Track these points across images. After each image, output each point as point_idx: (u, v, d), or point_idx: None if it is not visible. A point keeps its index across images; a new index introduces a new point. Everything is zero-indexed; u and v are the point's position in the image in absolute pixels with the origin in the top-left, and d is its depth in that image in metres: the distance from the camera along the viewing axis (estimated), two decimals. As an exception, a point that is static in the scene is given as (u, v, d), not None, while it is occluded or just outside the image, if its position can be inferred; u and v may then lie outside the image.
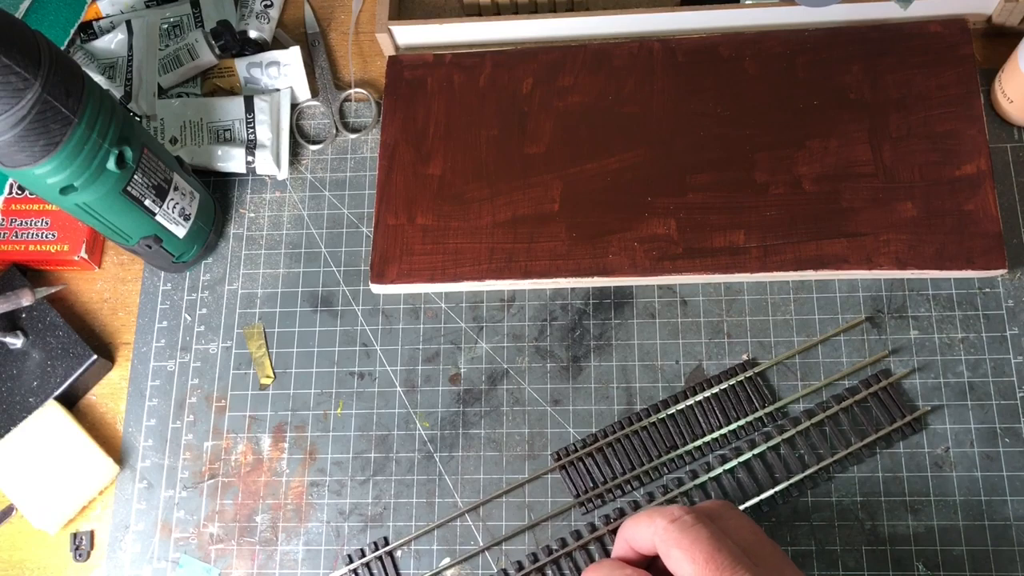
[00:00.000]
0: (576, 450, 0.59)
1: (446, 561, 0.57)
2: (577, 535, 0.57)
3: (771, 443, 0.57)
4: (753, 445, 0.57)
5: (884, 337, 0.59)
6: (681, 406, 0.59)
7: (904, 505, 0.56)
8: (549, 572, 0.56)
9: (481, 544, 0.58)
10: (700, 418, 0.58)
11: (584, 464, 0.58)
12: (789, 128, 0.62)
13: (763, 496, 0.56)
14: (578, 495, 0.58)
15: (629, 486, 0.58)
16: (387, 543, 0.58)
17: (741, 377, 0.59)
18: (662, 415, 0.58)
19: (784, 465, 0.57)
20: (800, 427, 0.57)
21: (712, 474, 0.57)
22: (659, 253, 0.60)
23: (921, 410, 0.57)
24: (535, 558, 0.57)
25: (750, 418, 0.58)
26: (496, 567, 0.57)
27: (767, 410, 0.58)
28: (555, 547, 0.57)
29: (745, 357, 0.60)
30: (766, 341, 0.60)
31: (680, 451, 0.58)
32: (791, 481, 0.56)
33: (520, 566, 0.57)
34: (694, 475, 0.57)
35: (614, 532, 0.56)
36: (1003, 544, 0.55)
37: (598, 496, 0.57)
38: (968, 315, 0.59)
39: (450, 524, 0.58)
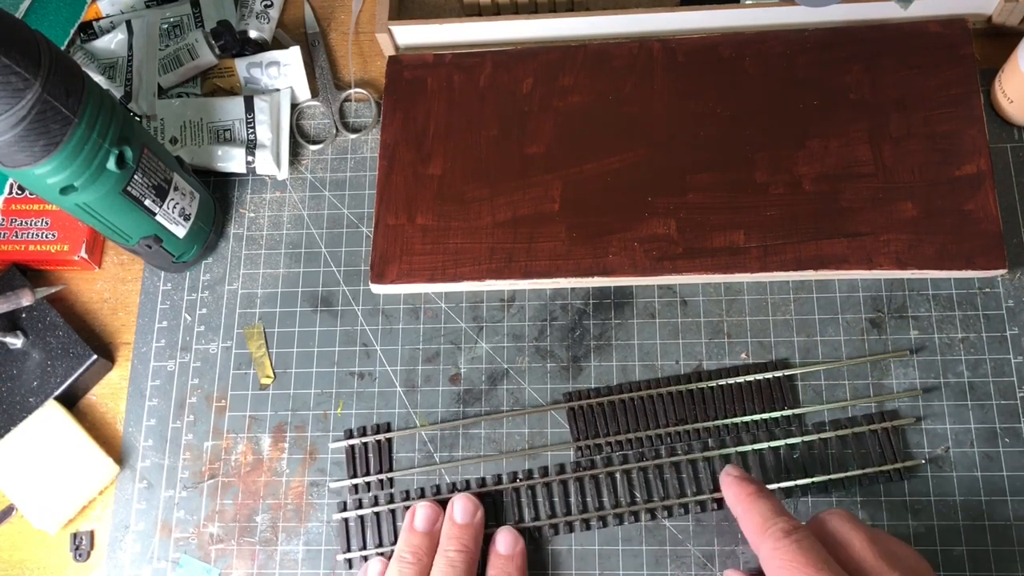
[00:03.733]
0: (588, 396, 0.60)
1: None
2: (544, 471, 0.58)
3: (770, 444, 0.57)
4: (742, 442, 0.57)
5: (884, 337, 0.59)
6: (703, 385, 0.59)
7: (904, 505, 0.56)
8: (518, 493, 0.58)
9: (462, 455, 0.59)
10: (716, 402, 0.59)
11: (592, 411, 0.59)
12: (789, 128, 0.62)
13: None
14: (577, 438, 0.59)
15: (629, 445, 0.58)
16: (389, 429, 0.60)
17: (769, 375, 0.59)
18: (681, 387, 0.59)
19: (773, 469, 0.57)
20: (793, 440, 0.57)
21: (722, 451, 0.57)
22: (659, 253, 0.60)
23: (915, 460, 0.56)
24: (498, 479, 0.59)
25: (765, 416, 0.58)
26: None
27: (784, 413, 0.58)
28: (521, 476, 0.58)
29: (744, 356, 0.60)
30: (766, 341, 0.60)
31: (687, 427, 0.58)
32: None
33: (483, 482, 0.59)
34: (689, 448, 0.58)
35: (578, 480, 0.58)
36: (1003, 544, 0.55)
37: (596, 446, 0.58)
38: (968, 315, 0.59)
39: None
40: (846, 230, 0.59)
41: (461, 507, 0.56)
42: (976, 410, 0.57)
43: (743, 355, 0.60)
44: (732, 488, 0.52)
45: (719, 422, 0.58)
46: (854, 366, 0.59)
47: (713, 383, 0.59)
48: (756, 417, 0.58)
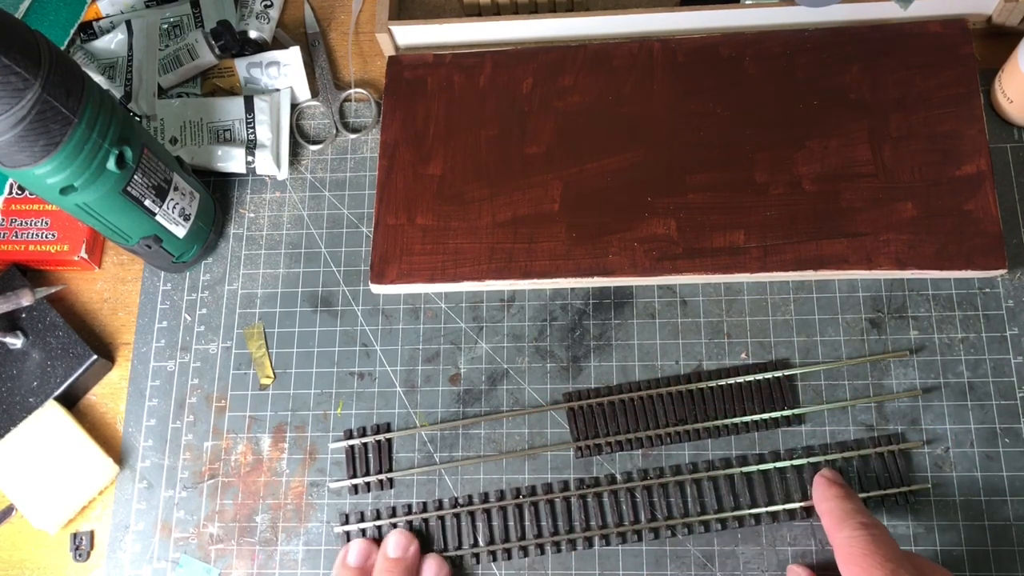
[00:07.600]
0: (588, 396, 0.60)
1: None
2: (548, 488, 0.58)
3: (776, 465, 0.57)
4: (747, 462, 0.57)
5: (884, 337, 0.59)
6: (703, 385, 0.59)
7: (904, 505, 0.56)
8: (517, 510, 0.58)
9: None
10: (716, 402, 0.59)
11: (592, 411, 0.59)
12: (789, 128, 0.62)
13: (747, 512, 0.56)
14: (577, 438, 0.59)
15: (629, 445, 0.58)
16: (389, 429, 0.61)
17: (769, 375, 0.59)
18: (681, 387, 0.59)
19: (771, 490, 0.57)
20: (799, 461, 0.57)
21: (710, 473, 0.57)
22: (659, 253, 0.60)
23: (920, 485, 0.56)
24: (502, 495, 0.58)
25: (765, 416, 0.58)
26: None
27: (784, 413, 0.58)
28: (525, 491, 0.58)
29: (744, 356, 0.60)
30: (766, 341, 0.60)
31: (687, 427, 0.58)
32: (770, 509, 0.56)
33: (486, 497, 0.58)
34: (694, 468, 0.58)
35: (581, 498, 0.58)
36: (1003, 544, 0.55)
37: (596, 446, 0.58)
38: (968, 315, 0.59)
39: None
40: (846, 230, 0.59)
41: (395, 542, 0.56)
42: (976, 410, 0.57)
43: (743, 355, 0.60)
44: (822, 487, 0.53)
45: (719, 422, 0.58)
46: (854, 366, 0.59)
47: (713, 383, 0.59)
48: (756, 417, 0.58)
